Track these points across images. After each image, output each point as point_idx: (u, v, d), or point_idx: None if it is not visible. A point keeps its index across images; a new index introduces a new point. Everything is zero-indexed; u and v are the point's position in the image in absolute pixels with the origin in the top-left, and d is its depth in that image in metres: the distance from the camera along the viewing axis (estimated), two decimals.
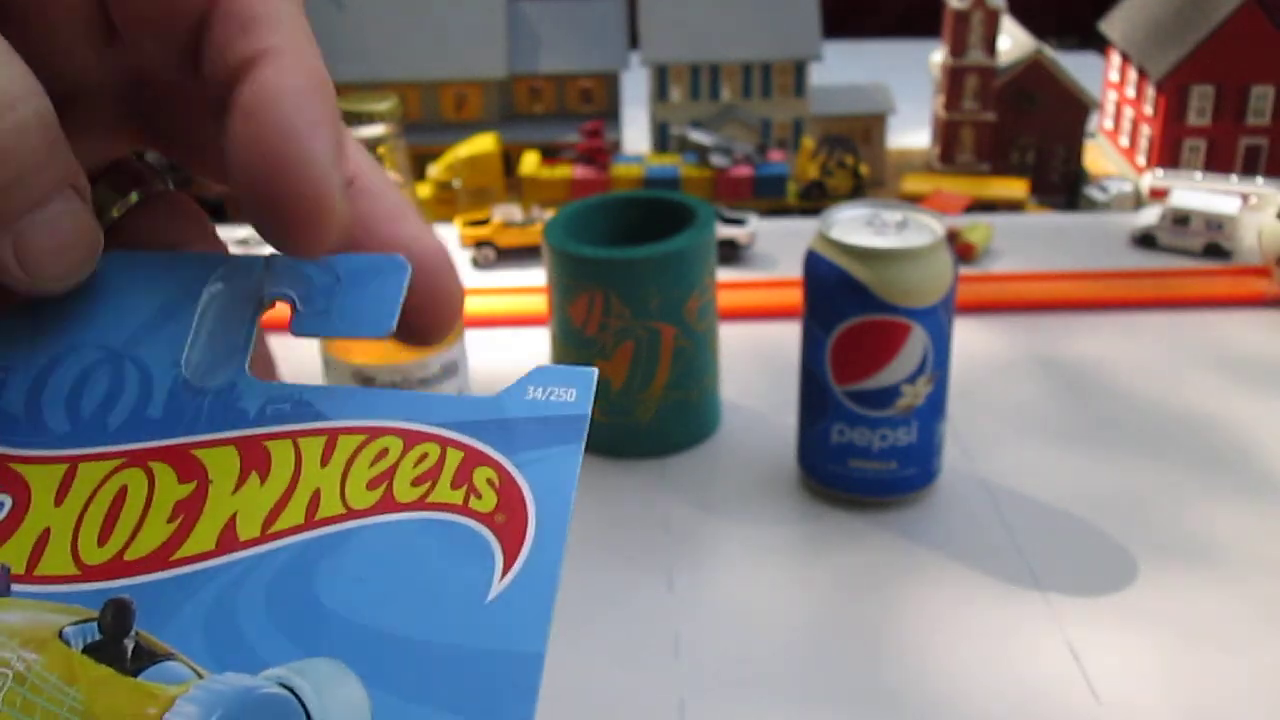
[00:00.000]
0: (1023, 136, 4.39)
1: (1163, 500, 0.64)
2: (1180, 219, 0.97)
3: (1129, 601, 0.57)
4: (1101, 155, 4.52)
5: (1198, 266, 0.93)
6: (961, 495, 0.65)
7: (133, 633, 0.22)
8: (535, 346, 0.73)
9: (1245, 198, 1.03)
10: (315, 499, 0.22)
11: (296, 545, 0.22)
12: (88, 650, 0.22)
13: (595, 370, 0.23)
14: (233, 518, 0.22)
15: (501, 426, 0.23)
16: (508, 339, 0.84)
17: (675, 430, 0.69)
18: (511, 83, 4.43)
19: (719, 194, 3.81)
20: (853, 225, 0.60)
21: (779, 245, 0.99)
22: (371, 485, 0.22)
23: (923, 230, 0.60)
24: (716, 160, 3.92)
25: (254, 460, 0.23)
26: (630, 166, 3.95)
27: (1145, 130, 4.24)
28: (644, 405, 0.67)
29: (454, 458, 0.22)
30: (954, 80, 4.31)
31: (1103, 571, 0.59)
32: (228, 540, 0.22)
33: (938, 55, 4.39)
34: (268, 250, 0.24)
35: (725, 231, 0.95)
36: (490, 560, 0.22)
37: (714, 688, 0.53)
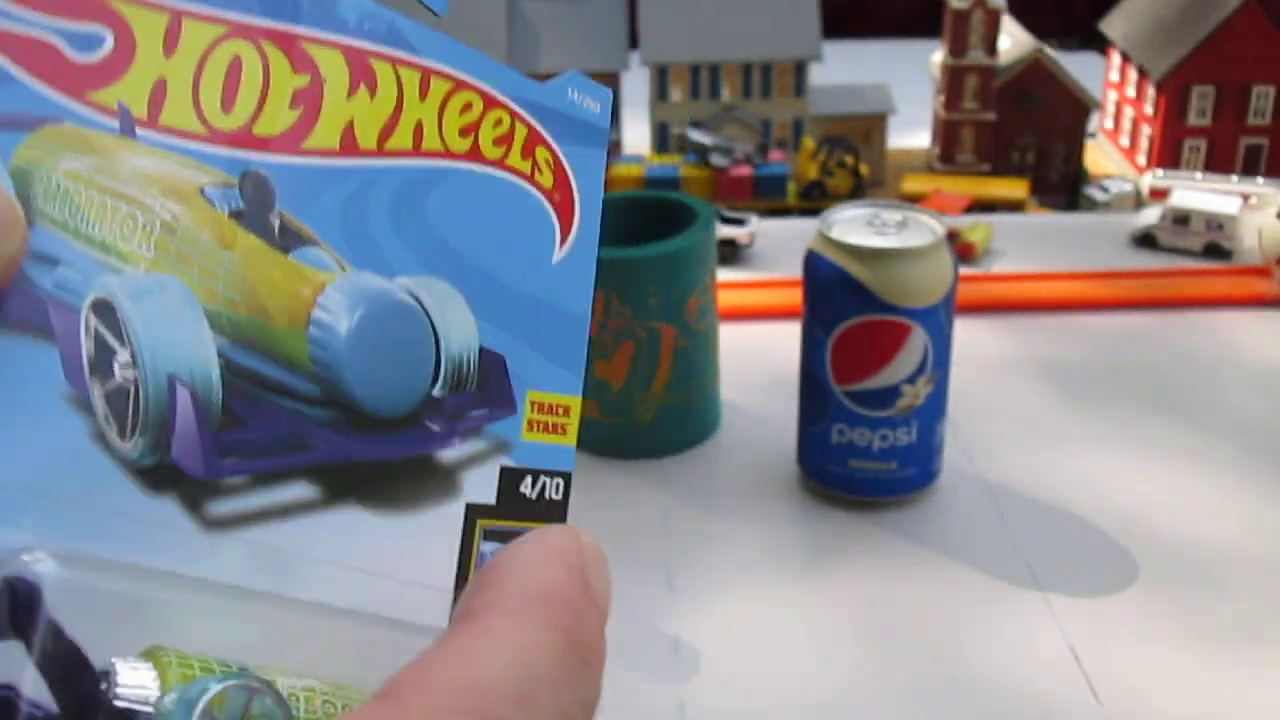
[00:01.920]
0: (1023, 136, 4.39)
1: (1163, 500, 0.64)
2: (1180, 219, 0.97)
3: (1129, 601, 0.57)
4: (1101, 155, 4.52)
5: (1198, 266, 0.93)
6: (961, 495, 0.65)
7: (276, 209, 0.22)
8: None
9: (1245, 198, 1.03)
10: (419, 129, 0.24)
11: (410, 169, 0.24)
12: (234, 216, 0.22)
13: (610, 91, 0.26)
14: (350, 123, 0.23)
15: (553, 116, 0.25)
16: None
17: (675, 430, 0.69)
18: None
19: (719, 194, 3.81)
20: (853, 225, 0.60)
21: (779, 245, 0.99)
22: (463, 133, 0.24)
23: (923, 230, 0.60)
24: (716, 160, 3.92)
25: (361, 73, 0.24)
26: (630, 166, 3.95)
27: (1145, 130, 4.24)
28: (644, 405, 0.67)
29: (521, 131, 0.25)
30: (954, 80, 4.31)
31: (1103, 571, 0.59)
32: (349, 144, 0.23)
33: (938, 55, 4.39)
34: None
35: (725, 231, 0.95)
36: (551, 229, 0.25)
37: (714, 688, 0.53)
